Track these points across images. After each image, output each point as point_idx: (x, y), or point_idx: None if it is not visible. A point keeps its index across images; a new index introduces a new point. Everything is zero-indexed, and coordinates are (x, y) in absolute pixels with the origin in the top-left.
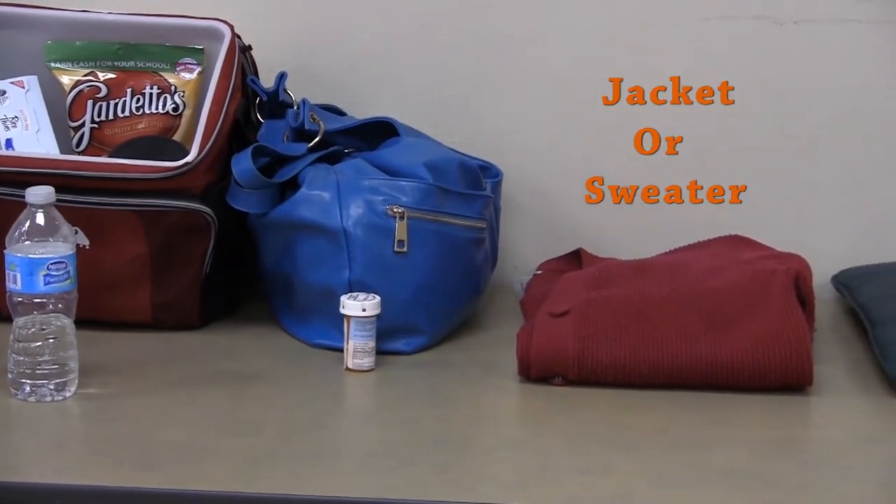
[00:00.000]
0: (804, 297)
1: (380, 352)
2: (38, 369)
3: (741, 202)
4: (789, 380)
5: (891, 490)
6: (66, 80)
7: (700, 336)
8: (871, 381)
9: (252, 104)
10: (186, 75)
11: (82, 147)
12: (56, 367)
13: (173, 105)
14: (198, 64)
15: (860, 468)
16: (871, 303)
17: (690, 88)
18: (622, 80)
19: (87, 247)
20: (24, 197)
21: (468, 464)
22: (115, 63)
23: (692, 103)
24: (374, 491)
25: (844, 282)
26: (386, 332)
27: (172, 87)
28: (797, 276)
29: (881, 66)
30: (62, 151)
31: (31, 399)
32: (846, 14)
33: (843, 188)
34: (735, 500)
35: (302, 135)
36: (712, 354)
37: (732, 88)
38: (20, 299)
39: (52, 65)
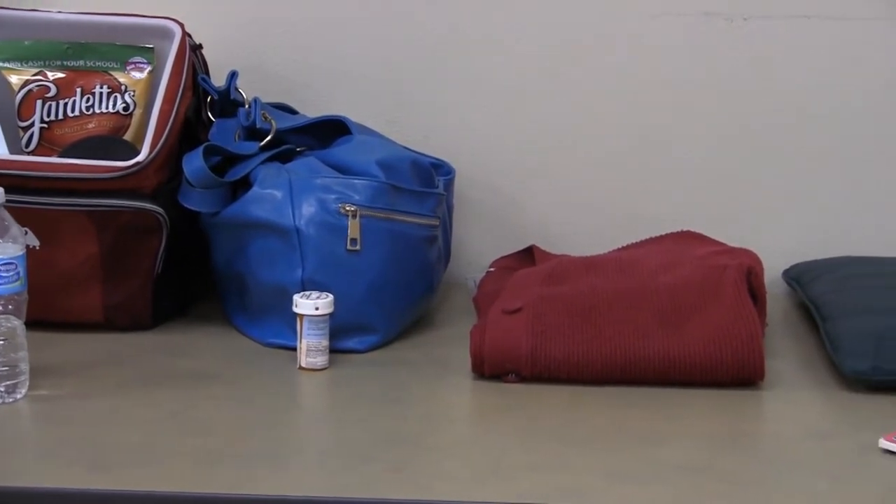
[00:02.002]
0: (756, 292)
1: (333, 350)
2: None
3: (693, 198)
4: (741, 375)
5: (842, 483)
6: (15, 79)
7: (652, 332)
8: (822, 375)
9: (203, 103)
10: (137, 74)
11: (32, 147)
12: (6, 369)
13: (123, 104)
14: (148, 63)
15: (812, 462)
16: (822, 297)
17: (641, 85)
18: (573, 77)
19: (37, 247)
20: None
21: (422, 461)
22: (65, 62)
23: (643, 100)
24: (329, 490)
25: (795, 277)
26: (339, 331)
27: (123, 87)
28: (749, 272)
29: (830, 62)
30: (11, 152)
31: None
32: (795, 10)
33: (793, 184)
34: (687, 494)
35: (254, 133)
36: (664, 350)
37: (683, 85)
38: None
39: (1, 64)
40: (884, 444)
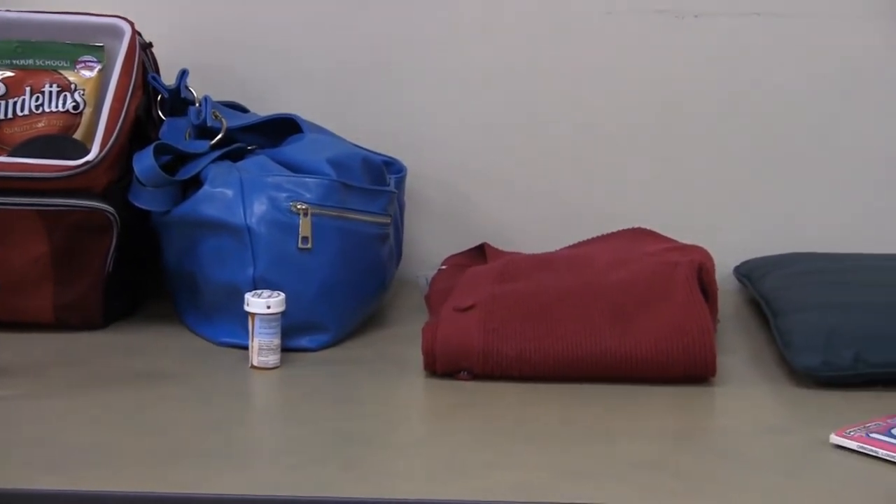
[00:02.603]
0: (707, 289)
1: (285, 349)
2: None
3: (644, 196)
4: (693, 371)
5: (795, 479)
6: None
7: (604, 329)
8: (773, 371)
9: (153, 102)
10: (86, 73)
11: None
12: None
13: (73, 103)
14: (98, 62)
15: (764, 458)
16: (772, 293)
17: (593, 82)
18: (525, 74)
19: None
20: None
21: (375, 460)
22: (14, 61)
23: (595, 96)
24: (282, 489)
25: (746, 273)
26: (291, 330)
27: (72, 86)
28: (700, 268)
29: (780, 59)
30: None
31: None
32: (746, 8)
33: (744, 181)
34: (640, 491)
35: (204, 132)
36: (616, 347)
37: (634, 83)
38: None
39: None
40: (835, 439)
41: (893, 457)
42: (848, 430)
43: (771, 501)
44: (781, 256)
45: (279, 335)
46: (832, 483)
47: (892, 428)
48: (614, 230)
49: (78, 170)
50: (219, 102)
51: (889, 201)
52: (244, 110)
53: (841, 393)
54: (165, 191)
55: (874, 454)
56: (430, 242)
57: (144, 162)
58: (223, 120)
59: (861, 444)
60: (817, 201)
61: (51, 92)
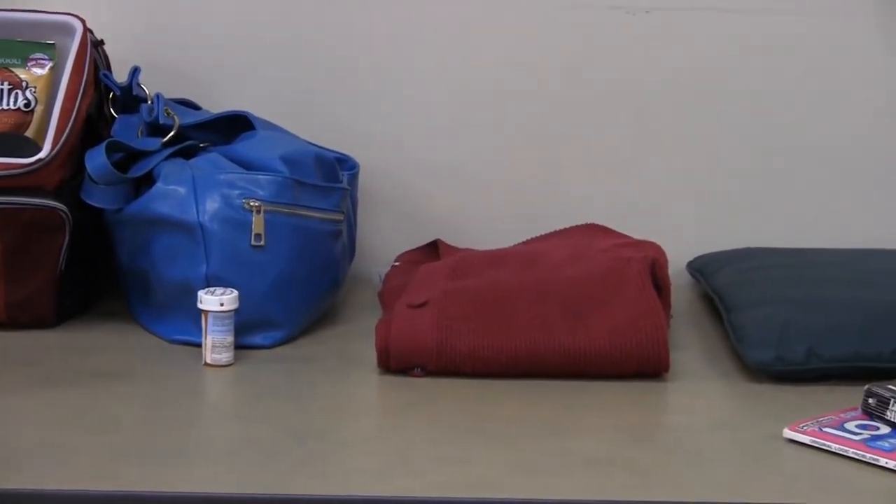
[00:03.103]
0: (660, 284)
1: (238, 346)
2: None
3: (598, 191)
4: (646, 366)
5: (748, 473)
6: None
7: (557, 325)
8: (727, 366)
9: (105, 99)
10: (38, 71)
11: None
12: None
13: (25, 101)
14: (49, 59)
15: (717, 452)
16: (725, 288)
17: (546, 78)
18: (477, 70)
19: None
20: None
21: (330, 457)
22: None
23: (548, 93)
24: (236, 486)
25: (699, 268)
26: (244, 327)
27: (24, 83)
28: (653, 264)
29: (731, 54)
30: None
31: None
32: (697, 3)
33: (697, 176)
34: (594, 486)
35: (156, 129)
36: (570, 343)
37: (587, 78)
38: None
39: None
40: (788, 433)
41: (846, 451)
42: (801, 425)
43: (724, 496)
44: (734, 252)
45: (232, 332)
46: (785, 477)
47: (845, 422)
48: (568, 226)
49: (30, 168)
50: (171, 100)
51: (841, 197)
52: (196, 107)
53: (794, 387)
54: (118, 189)
55: (827, 448)
56: (383, 239)
57: (96, 160)
58: (175, 117)
59: (814, 439)
60: (770, 197)
61: (2, 90)
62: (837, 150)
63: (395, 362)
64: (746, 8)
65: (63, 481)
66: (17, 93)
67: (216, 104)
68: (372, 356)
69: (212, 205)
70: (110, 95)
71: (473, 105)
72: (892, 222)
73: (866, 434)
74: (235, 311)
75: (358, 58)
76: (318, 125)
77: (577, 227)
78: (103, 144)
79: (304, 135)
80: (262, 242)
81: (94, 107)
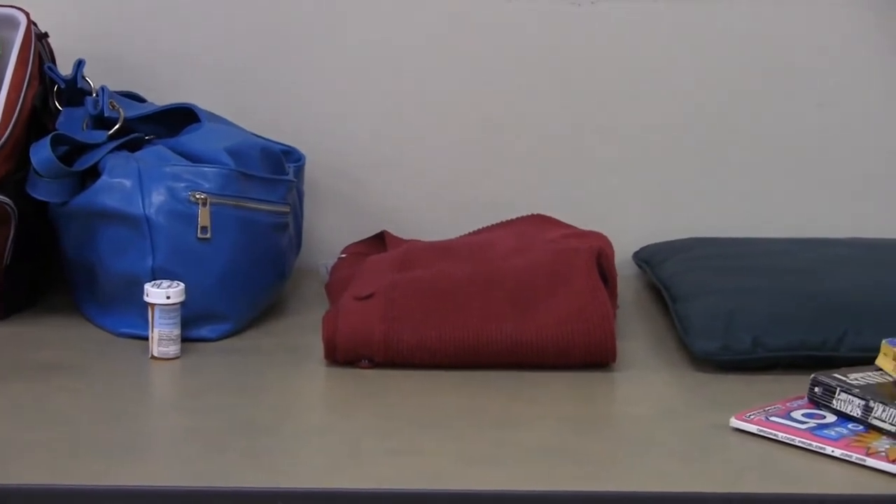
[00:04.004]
0: (606, 274)
1: (185, 339)
2: None
3: (544, 182)
4: (593, 356)
5: (694, 462)
6: None
7: (505, 315)
8: (673, 356)
9: (50, 92)
10: None
11: None
12: None
13: None
14: None
15: (664, 442)
16: (671, 278)
17: (492, 69)
18: (424, 63)
19: None
20: None
21: (277, 449)
22: None
23: (493, 83)
24: (185, 479)
25: (645, 258)
26: (191, 320)
27: None
28: (599, 254)
29: (676, 45)
30: None
31: None
32: None
33: (642, 167)
34: (543, 476)
35: (102, 122)
36: (517, 333)
37: (534, 70)
38: None
39: None
40: (735, 423)
41: (792, 440)
42: (747, 414)
43: (671, 485)
44: (680, 242)
45: (179, 325)
46: (732, 466)
47: (791, 411)
48: (514, 217)
49: None
50: (116, 92)
51: (786, 186)
52: (141, 100)
53: (740, 377)
54: (63, 182)
55: (773, 437)
56: (329, 231)
57: (41, 153)
58: (121, 110)
59: (760, 428)
60: (716, 187)
61: None
62: (782, 141)
63: (342, 354)
64: None
65: (8, 476)
66: None
67: (161, 97)
68: (319, 348)
69: (157, 197)
70: (55, 88)
71: (418, 97)
72: (836, 212)
73: (812, 423)
74: (182, 303)
75: (303, 50)
76: (263, 117)
77: (523, 217)
78: (48, 138)
79: (250, 127)
80: (208, 235)
81: (38, 100)
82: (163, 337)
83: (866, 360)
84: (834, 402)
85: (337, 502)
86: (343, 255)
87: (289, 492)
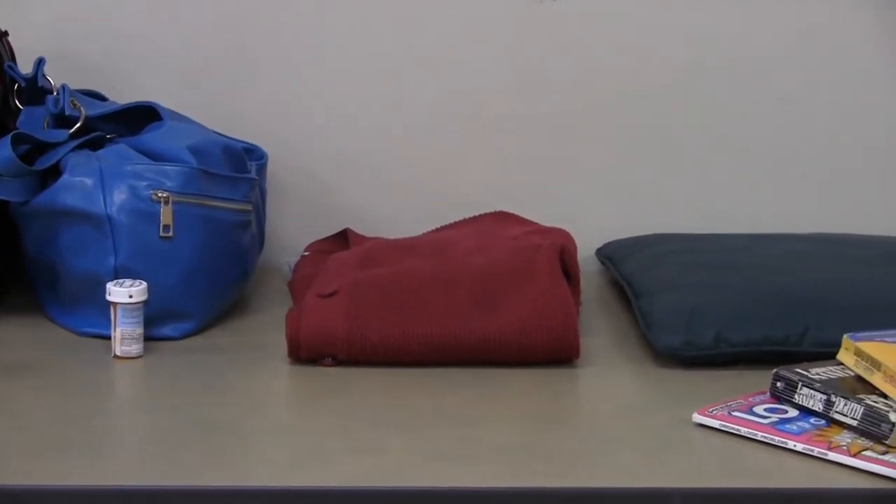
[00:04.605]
0: (569, 271)
1: (148, 338)
2: None
3: (506, 179)
4: (557, 353)
5: (657, 458)
6: None
7: (468, 312)
8: (636, 352)
9: (10, 91)
10: None
11: None
12: None
13: None
14: None
15: (628, 438)
16: (634, 275)
17: (452, 65)
18: (384, 59)
19: None
20: None
21: (241, 448)
22: None
23: (455, 80)
24: (148, 479)
25: (608, 254)
26: (154, 318)
27: None
28: (562, 251)
29: (640, 42)
30: None
31: None
32: None
33: (605, 163)
34: (507, 473)
35: (63, 121)
36: (480, 330)
37: (495, 66)
38: None
39: None
40: (698, 418)
41: (755, 434)
42: (710, 409)
43: (635, 481)
44: (643, 238)
45: (142, 324)
46: (695, 461)
47: (754, 406)
48: (477, 214)
49: None
50: (77, 91)
51: (749, 182)
52: (103, 99)
53: (703, 372)
54: (24, 181)
55: (736, 432)
56: (292, 229)
57: (2, 152)
58: (82, 108)
59: (723, 423)
60: (678, 183)
61: None
62: (743, 137)
63: (305, 352)
64: None
65: None
66: None
67: (123, 95)
68: (282, 346)
69: (119, 196)
70: (15, 87)
71: (381, 95)
72: (799, 208)
73: (775, 417)
74: (144, 302)
75: (265, 48)
76: (225, 116)
77: (486, 214)
78: (9, 136)
79: (212, 125)
80: (170, 234)
81: None
82: (125, 336)
83: (828, 355)
84: (796, 396)
85: (300, 501)
86: (306, 253)
87: (252, 491)
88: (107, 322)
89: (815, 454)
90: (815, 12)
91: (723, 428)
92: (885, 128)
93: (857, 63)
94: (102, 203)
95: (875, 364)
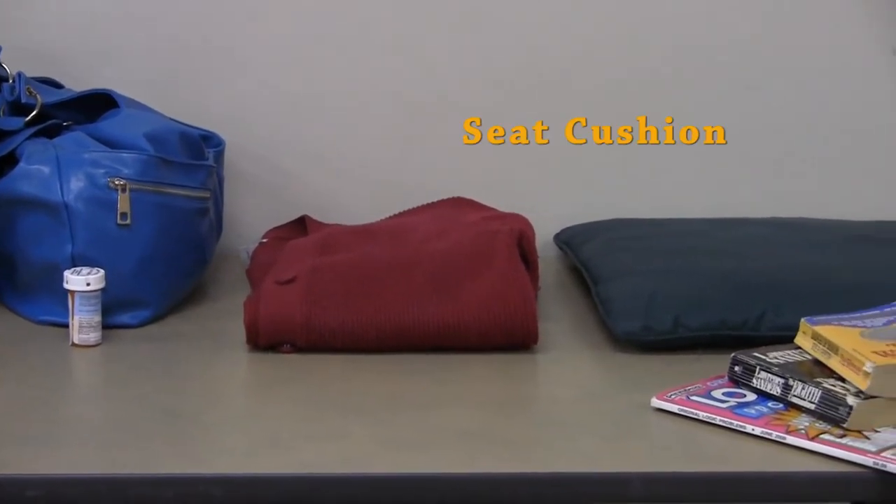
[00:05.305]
0: (527, 257)
1: (106, 326)
2: None
3: (464, 165)
4: (515, 339)
5: (616, 442)
6: None
7: (426, 298)
8: (595, 337)
9: None
10: None
11: None
12: None
13: None
14: None
15: (586, 422)
16: (592, 260)
17: (408, 52)
18: (340, 45)
19: None
20: None
21: (199, 435)
22: None
23: (410, 67)
24: (106, 467)
25: (566, 240)
26: (112, 306)
27: None
28: (520, 236)
29: (596, 25)
30: None
31: None
32: None
33: (562, 150)
34: (466, 458)
35: (19, 109)
36: (439, 316)
37: (448, 52)
38: None
39: None
40: (656, 402)
41: (713, 419)
42: (669, 394)
43: (595, 465)
44: (601, 223)
45: (99, 312)
46: (653, 445)
47: (712, 390)
48: (435, 200)
49: None
50: (33, 78)
51: (706, 167)
52: (59, 86)
53: (662, 357)
54: None
55: (694, 416)
56: (250, 216)
57: None
58: (38, 96)
59: (681, 407)
60: (636, 168)
61: None
62: (699, 121)
63: (263, 339)
64: None
65: None
66: None
67: (79, 82)
68: (241, 333)
69: (76, 184)
70: None
71: (339, 81)
72: (756, 192)
73: (733, 401)
74: (102, 290)
75: (220, 34)
76: (182, 103)
77: (444, 200)
78: None
79: (169, 112)
80: (127, 221)
81: None
82: (83, 324)
83: (786, 338)
84: (754, 380)
85: (260, 488)
86: (264, 240)
87: (211, 478)
88: (64, 310)
89: (773, 438)
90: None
91: (681, 412)
92: (842, 115)
93: (818, 51)
94: (59, 191)
95: (832, 348)
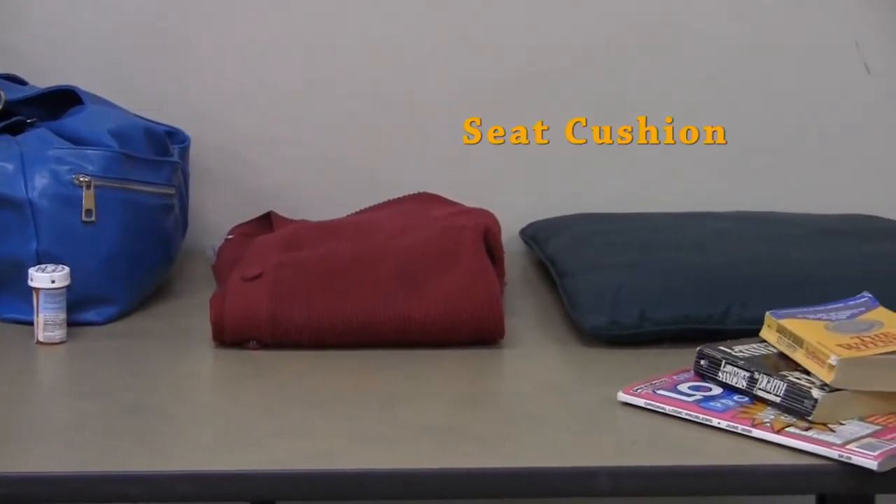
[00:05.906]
0: (493, 252)
1: (71, 323)
2: None
3: (430, 160)
4: (482, 334)
5: (583, 436)
6: None
7: (393, 294)
8: (561, 332)
9: None
10: None
11: None
12: None
13: None
14: None
15: (553, 417)
16: (558, 254)
17: (374, 48)
18: (307, 40)
19: None
20: None
21: (166, 432)
22: None
23: (376, 64)
24: (73, 465)
25: (532, 235)
26: (77, 303)
27: None
28: (486, 231)
29: (558, 19)
30: None
31: None
32: None
33: (527, 144)
34: (434, 453)
35: None
36: (405, 312)
37: (415, 45)
38: None
39: None
40: (623, 396)
41: (679, 412)
42: (635, 388)
43: (562, 460)
44: (567, 218)
45: (65, 310)
46: (620, 439)
47: (678, 384)
48: (400, 195)
49: None
50: None
51: (671, 161)
52: (23, 83)
53: (628, 351)
54: None
55: (661, 410)
56: (216, 212)
57: None
58: (1, 93)
59: (648, 401)
60: (601, 163)
61: None
62: (665, 114)
63: (230, 335)
64: None
65: None
66: None
67: (43, 79)
68: (207, 330)
69: (41, 181)
70: None
71: (303, 77)
72: (721, 186)
73: (699, 395)
74: (67, 287)
75: (185, 30)
76: (146, 99)
77: (410, 196)
78: None
79: (133, 109)
80: (92, 218)
81: None
82: (48, 321)
83: (751, 332)
84: (720, 374)
85: (227, 484)
86: (230, 236)
87: (178, 475)
88: (29, 308)
89: (739, 431)
90: None
91: (648, 406)
92: (807, 106)
93: (780, 41)
94: (23, 188)
95: (797, 341)
